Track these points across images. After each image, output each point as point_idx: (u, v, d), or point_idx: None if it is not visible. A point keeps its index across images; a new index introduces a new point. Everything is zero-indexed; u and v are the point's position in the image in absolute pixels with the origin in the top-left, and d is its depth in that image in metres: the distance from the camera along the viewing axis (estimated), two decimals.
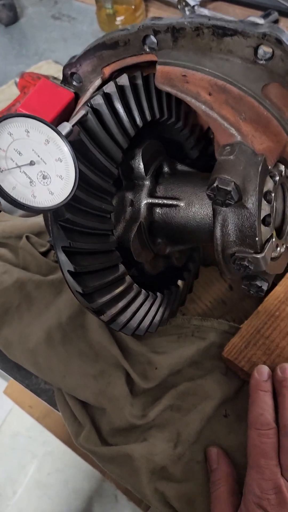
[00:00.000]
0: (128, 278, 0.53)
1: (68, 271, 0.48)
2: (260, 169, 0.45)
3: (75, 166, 0.42)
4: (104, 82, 0.55)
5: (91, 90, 0.55)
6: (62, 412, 0.65)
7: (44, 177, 0.40)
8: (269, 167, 0.47)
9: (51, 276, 0.72)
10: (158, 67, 0.49)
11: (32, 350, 0.66)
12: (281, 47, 0.43)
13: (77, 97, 0.58)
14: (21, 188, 0.38)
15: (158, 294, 0.59)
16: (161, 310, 0.60)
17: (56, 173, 0.40)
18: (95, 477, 1.86)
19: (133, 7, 1.12)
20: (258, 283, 0.53)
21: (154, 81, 0.53)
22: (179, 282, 0.64)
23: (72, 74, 0.56)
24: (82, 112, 0.46)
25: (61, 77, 0.58)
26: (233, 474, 0.55)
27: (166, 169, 0.58)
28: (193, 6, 1.08)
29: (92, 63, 0.54)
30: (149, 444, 0.59)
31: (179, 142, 0.62)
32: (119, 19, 1.12)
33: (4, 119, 0.38)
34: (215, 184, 0.43)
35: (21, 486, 1.87)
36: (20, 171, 0.38)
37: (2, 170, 0.37)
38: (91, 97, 0.51)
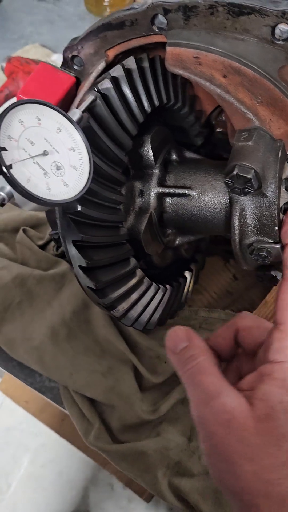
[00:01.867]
0: (139, 272, 0.51)
1: (80, 266, 0.46)
2: (280, 155, 0.43)
3: (89, 155, 0.39)
4: (108, 66, 0.52)
5: (94, 74, 0.52)
6: (69, 410, 0.64)
7: (58, 168, 0.37)
8: (287, 152, 0.45)
9: (52, 270, 0.69)
10: (168, 48, 0.47)
11: (37, 348, 0.63)
12: None
13: (78, 81, 0.55)
14: (35, 180, 0.35)
15: (168, 286, 0.57)
16: (170, 303, 0.58)
17: (70, 163, 0.38)
18: (90, 467, 1.85)
19: None
20: (273, 273, 0.52)
21: (160, 64, 0.51)
22: (187, 274, 0.63)
23: (73, 57, 0.53)
24: (91, 98, 0.43)
25: (49, 62, 0.55)
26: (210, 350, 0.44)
27: (174, 156, 0.56)
28: None
29: (94, 45, 0.51)
30: (163, 439, 0.57)
31: (184, 129, 0.60)
32: (106, 0, 1.08)
33: (15, 106, 0.35)
34: (235, 172, 0.42)
35: (15, 480, 1.85)
36: (33, 162, 0.36)
37: (15, 162, 0.34)
38: (97, 81, 0.48)
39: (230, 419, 0.34)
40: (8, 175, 0.33)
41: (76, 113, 0.41)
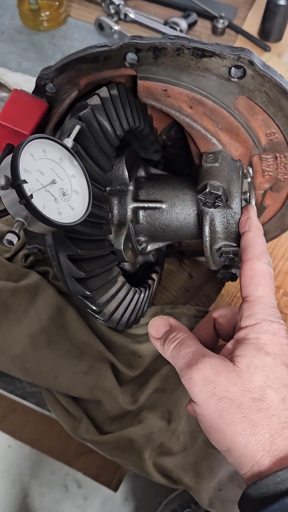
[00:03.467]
0: (121, 278, 0.57)
1: (74, 277, 0.51)
2: (240, 173, 0.52)
3: (87, 180, 0.45)
4: (80, 94, 0.57)
5: (67, 101, 0.57)
6: (54, 411, 0.68)
7: (64, 194, 0.42)
8: (244, 170, 0.54)
9: (24, 281, 0.73)
10: (139, 81, 0.53)
11: (19, 356, 0.67)
12: (253, 68, 0.49)
13: (50, 106, 0.60)
14: (49, 206, 0.40)
15: (142, 289, 0.64)
16: (144, 303, 0.65)
17: (72, 189, 0.43)
18: (43, 472, 1.87)
19: (57, 3, 1.12)
20: (233, 270, 0.61)
21: (126, 91, 0.57)
22: (154, 275, 0.70)
23: (46, 84, 0.58)
24: (77, 127, 0.49)
25: None
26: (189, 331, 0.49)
27: (142, 173, 0.62)
28: (118, 4, 1.11)
29: (69, 75, 0.56)
30: (146, 426, 0.64)
31: (145, 146, 0.67)
32: (43, 14, 1.11)
33: (28, 142, 0.39)
34: (207, 190, 0.49)
35: None
36: (45, 190, 0.41)
37: (33, 191, 0.39)
38: (75, 109, 0.54)
39: (216, 374, 0.40)
40: (31, 205, 0.38)
41: (68, 142, 0.47)
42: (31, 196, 0.38)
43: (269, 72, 0.49)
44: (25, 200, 0.37)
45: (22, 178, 0.38)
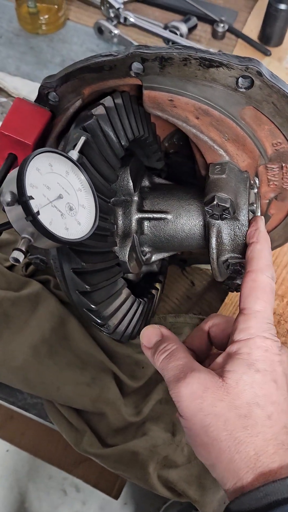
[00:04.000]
0: (126, 290, 0.56)
1: (78, 291, 0.50)
2: (247, 185, 0.51)
3: (93, 193, 0.44)
4: (84, 103, 0.56)
5: (71, 110, 0.56)
6: (56, 423, 0.67)
7: (70, 209, 0.41)
8: (251, 181, 0.54)
9: (26, 291, 0.72)
10: (145, 91, 0.52)
11: (21, 367, 0.66)
12: (261, 78, 0.49)
13: (53, 114, 0.59)
14: (56, 222, 0.39)
15: (145, 299, 0.63)
16: (148, 313, 0.64)
17: (79, 203, 0.42)
18: (41, 476, 1.86)
19: (55, 6, 1.10)
20: (238, 281, 0.60)
21: (130, 99, 0.56)
22: (157, 285, 0.69)
23: (49, 93, 0.57)
24: (83, 138, 0.48)
25: None
26: (180, 342, 0.48)
27: (147, 183, 0.61)
28: (118, 8, 1.10)
29: (72, 85, 0.55)
30: (151, 438, 0.63)
31: (148, 155, 0.66)
32: (42, 18, 1.10)
33: (34, 157, 0.38)
34: (215, 202, 0.49)
35: None
36: (52, 206, 0.40)
37: (40, 208, 0.38)
38: (80, 118, 0.53)
39: (204, 389, 0.40)
40: (38, 222, 0.37)
41: (74, 154, 0.46)
42: (38, 212, 0.37)
43: (277, 83, 0.49)
44: (32, 217, 0.37)
45: (29, 194, 0.37)
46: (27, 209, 0.36)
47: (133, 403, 0.67)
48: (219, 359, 0.44)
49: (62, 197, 0.41)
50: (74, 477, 1.14)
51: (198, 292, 0.82)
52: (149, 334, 0.49)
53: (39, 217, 0.37)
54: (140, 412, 0.66)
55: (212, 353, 0.56)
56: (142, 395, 0.68)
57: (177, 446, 0.64)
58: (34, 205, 0.37)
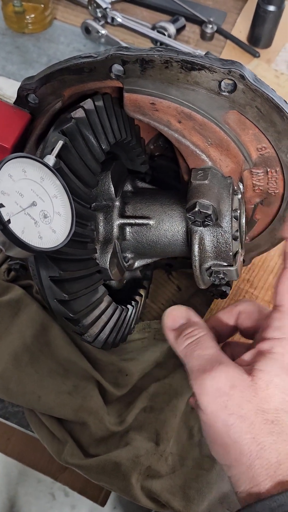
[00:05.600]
0: (107, 298, 0.55)
1: (57, 299, 0.48)
2: (230, 191, 0.50)
3: (69, 199, 0.42)
4: (64, 105, 0.55)
5: (51, 112, 0.55)
6: (37, 432, 0.65)
7: (45, 216, 0.40)
8: (235, 187, 0.52)
9: (6, 297, 0.70)
10: (125, 94, 0.51)
11: (0, 376, 0.64)
12: (244, 82, 0.47)
13: (32, 116, 0.57)
14: (28, 230, 0.38)
15: (129, 306, 0.62)
16: (131, 320, 0.63)
17: (54, 210, 0.41)
18: (29, 480, 1.84)
19: (42, 6, 1.09)
20: (223, 288, 0.59)
21: (112, 102, 0.55)
22: (141, 291, 0.68)
23: (28, 95, 0.55)
24: (60, 143, 0.46)
25: None
26: (208, 328, 0.46)
27: (129, 187, 0.60)
28: (105, 8, 1.09)
29: (52, 86, 0.53)
30: (133, 448, 0.62)
31: (132, 158, 0.65)
32: (28, 17, 1.08)
33: (5, 162, 0.37)
34: (196, 209, 0.47)
35: None
36: (25, 213, 0.38)
37: (12, 216, 0.36)
38: (60, 121, 0.51)
39: (231, 386, 0.37)
40: (8, 230, 0.35)
41: (50, 159, 0.44)
42: (9, 221, 0.36)
43: (260, 87, 0.47)
44: (2, 225, 0.35)
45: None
46: None
47: (116, 411, 0.66)
48: (248, 354, 0.41)
49: (36, 204, 0.39)
50: (61, 483, 1.12)
51: (184, 297, 0.81)
52: (176, 315, 0.46)
53: (10, 225, 0.36)
54: (124, 421, 0.65)
55: (234, 341, 0.53)
56: (125, 403, 0.67)
57: (160, 456, 0.63)
58: (5, 213, 0.36)
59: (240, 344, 0.50)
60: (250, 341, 0.49)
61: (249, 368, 0.39)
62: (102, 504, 1.08)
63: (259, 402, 0.38)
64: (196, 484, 0.63)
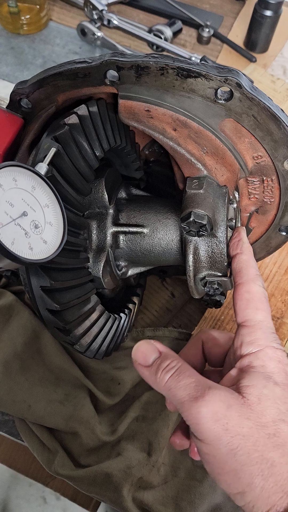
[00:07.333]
0: (100, 307, 0.54)
1: (48, 309, 0.47)
2: (226, 200, 0.49)
3: (61, 209, 0.41)
4: (58, 110, 0.54)
5: (44, 117, 0.54)
6: (28, 442, 0.64)
7: (36, 227, 0.39)
8: (230, 196, 0.52)
9: None
10: (120, 101, 0.50)
11: None
12: (240, 90, 0.47)
13: (25, 122, 0.56)
14: (18, 241, 0.37)
15: (122, 315, 0.61)
16: (124, 329, 0.62)
17: (45, 220, 0.40)
18: (21, 484, 1.82)
19: (37, 6, 1.08)
20: (217, 298, 0.58)
21: (107, 107, 0.54)
22: (135, 299, 0.67)
23: (21, 99, 0.54)
24: (53, 150, 0.45)
25: None
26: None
27: (123, 194, 0.59)
28: (101, 10, 1.08)
29: (45, 91, 0.52)
30: (125, 459, 0.61)
31: (126, 164, 0.64)
32: (24, 18, 1.07)
33: None
34: (191, 219, 0.47)
35: None
36: (15, 224, 0.37)
37: (1, 227, 0.35)
38: (52, 127, 0.50)
39: (227, 407, 0.36)
40: None
41: (42, 167, 0.43)
42: None
43: (257, 95, 0.47)
44: None
45: None
46: None
47: (108, 421, 0.65)
48: (230, 375, 0.41)
49: (26, 214, 0.38)
50: (52, 490, 1.11)
51: (178, 304, 0.80)
52: (145, 351, 0.43)
53: (0, 237, 0.35)
54: (115, 430, 0.64)
55: (205, 370, 0.53)
56: (117, 412, 0.66)
57: (152, 467, 0.62)
58: None
59: (212, 372, 0.51)
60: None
61: (235, 388, 0.39)
62: (94, 510, 1.07)
63: (256, 417, 0.37)
64: (188, 496, 0.62)
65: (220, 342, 0.50)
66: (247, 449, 0.36)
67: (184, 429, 0.50)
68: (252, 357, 0.40)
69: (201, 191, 0.48)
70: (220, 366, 0.51)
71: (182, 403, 0.38)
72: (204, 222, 0.46)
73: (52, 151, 0.45)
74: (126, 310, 0.63)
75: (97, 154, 0.51)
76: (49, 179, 0.45)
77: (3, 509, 1.80)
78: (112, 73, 0.49)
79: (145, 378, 0.44)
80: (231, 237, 0.50)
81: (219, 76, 0.46)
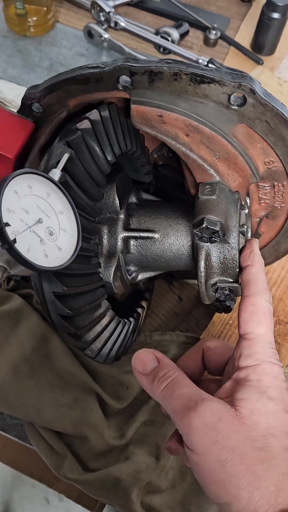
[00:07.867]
0: (110, 312, 0.54)
1: (60, 315, 0.47)
2: (238, 206, 0.49)
3: (75, 215, 0.41)
4: (69, 115, 0.54)
5: (56, 122, 0.54)
6: (36, 446, 0.64)
7: (51, 234, 0.39)
8: (242, 202, 0.52)
9: (6, 306, 0.69)
10: (133, 106, 0.50)
11: (0, 388, 0.63)
12: (254, 96, 0.47)
13: (36, 126, 0.56)
14: (34, 249, 0.37)
15: (131, 319, 0.60)
16: (133, 333, 0.62)
17: (60, 227, 0.40)
18: (24, 485, 1.83)
19: (44, 8, 1.07)
20: (227, 303, 0.58)
21: (118, 112, 0.54)
22: (143, 303, 0.67)
23: (33, 104, 0.54)
24: (66, 155, 0.45)
25: None
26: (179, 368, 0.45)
27: (134, 199, 0.59)
28: (108, 12, 1.07)
29: (57, 96, 0.52)
30: (134, 463, 0.61)
31: (136, 169, 0.64)
32: (30, 20, 1.07)
33: (11, 179, 0.36)
34: (204, 225, 0.46)
35: None
36: (30, 231, 0.37)
37: (17, 235, 0.35)
38: (65, 132, 0.50)
39: (218, 419, 0.37)
40: (14, 250, 0.34)
41: (56, 173, 0.43)
42: (15, 240, 0.34)
43: (270, 101, 0.47)
44: (8, 245, 0.34)
45: (5, 220, 0.34)
46: (3, 237, 0.34)
47: (117, 425, 0.65)
48: (226, 386, 0.42)
49: (41, 221, 0.38)
50: (57, 491, 1.11)
51: (186, 308, 0.80)
52: (144, 359, 0.45)
53: (16, 245, 0.35)
54: (124, 435, 0.64)
55: (202, 378, 0.54)
56: (126, 416, 0.66)
57: (161, 471, 0.62)
58: (11, 232, 0.35)
59: (211, 381, 0.51)
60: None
61: (229, 400, 0.40)
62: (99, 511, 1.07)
63: (246, 431, 0.37)
64: (196, 500, 0.62)
65: (220, 351, 0.51)
66: (235, 461, 0.36)
67: (179, 436, 0.50)
68: (249, 370, 0.41)
69: (214, 197, 0.48)
70: (219, 375, 0.51)
71: (175, 412, 0.40)
72: (217, 228, 0.46)
73: (65, 156, 0.45)
74: (135, 314, 0.63)
75: (109, 159, 0.51)
76: (62, 185, 0.45)
77: (6, 510, 1.80)
78: (124, 78, 0.49)
79: (142, 386, 0.45)
80: (243, 247, 0.50)
81: (233, 82, 0.46)
